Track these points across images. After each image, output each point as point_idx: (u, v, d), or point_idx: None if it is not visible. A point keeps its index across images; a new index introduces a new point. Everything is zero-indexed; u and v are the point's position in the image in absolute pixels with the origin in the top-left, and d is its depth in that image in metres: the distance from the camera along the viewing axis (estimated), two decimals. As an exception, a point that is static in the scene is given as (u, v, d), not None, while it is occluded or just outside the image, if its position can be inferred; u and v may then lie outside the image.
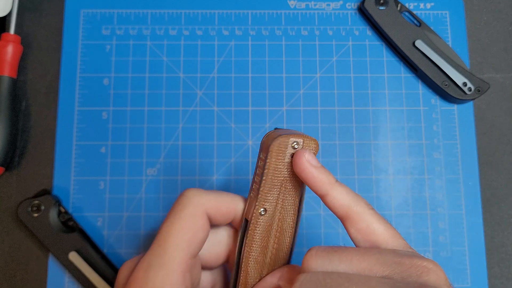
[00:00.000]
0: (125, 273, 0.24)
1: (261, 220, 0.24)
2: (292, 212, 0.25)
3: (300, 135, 0.24)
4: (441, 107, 0.41)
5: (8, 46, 0.39)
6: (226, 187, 0.39)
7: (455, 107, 0.41)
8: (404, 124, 0.41)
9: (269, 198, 0.24)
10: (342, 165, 0.40)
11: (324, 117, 0.41)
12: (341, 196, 0.23)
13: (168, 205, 0.39)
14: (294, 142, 0.24)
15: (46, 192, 0.39)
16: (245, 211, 0.25)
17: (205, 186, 0.39)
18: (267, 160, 0.24)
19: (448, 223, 0.39)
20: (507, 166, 0.40)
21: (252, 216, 0.24)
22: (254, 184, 0.25)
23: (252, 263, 0.25)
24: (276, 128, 0.26)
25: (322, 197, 0.24)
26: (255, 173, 0.25)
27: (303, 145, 0.24)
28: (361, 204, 0.23)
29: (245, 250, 0.25)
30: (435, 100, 0.41)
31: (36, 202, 0.37)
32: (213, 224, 0.25)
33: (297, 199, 0.25)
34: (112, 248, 0.38)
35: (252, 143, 0.40)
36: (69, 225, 0.38)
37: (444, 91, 0.40)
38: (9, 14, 0.40)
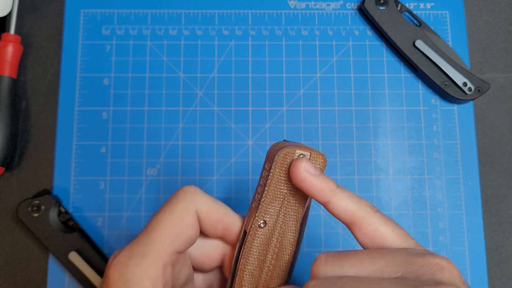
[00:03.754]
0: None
1: (260, 233, 0.24)
2: (294, 228, 0.24)
3: (308, 148, 0.23)
4: (441, 107, 0.41)
5: (8, 46, 0.39)
6: (226, 187, 0.39)
7: (455, 107, 0.41)
8: (404, 124, 0.41)
9: (270, 210, 0.24)
10: (342, 165, 0.40)
11: (324, 117, 0.41)
12: (344, 202, 0.23)
13: (168, 205, 0.39)
14: (301, 154, 0.23)
15: (46, 192, 0.39)
16: (244, 223, 0.25)
17: (205, 186, 0.39)
18: (271, 171, 0.23)
19: (448, 223, 0.39)
20: (507, 166, 0.40)
21: (251, 227, 0.24)
22: (256, 194, 0.24)
23: (247, 276, 0.24)
24: (285, 140, 0.25)
25: (325, 205, 0.23)
26: (258, 184, 0.24)
27: (310, 159, 0.23)
28: (365, 208, 0.23)
29: (241, 262, 0.24)
30: (435, 100, 0.41)
31: (36, 202, 0.37)
32: (202, 230, 0.25)
33: (300, 215, 0.24)
34: (112, 248, 0.38)
35: (252, 143, 0.40)
36: (69, 225, 0.38)
37: (444, 91, 0.40)
38: (9, 14, 0.40)
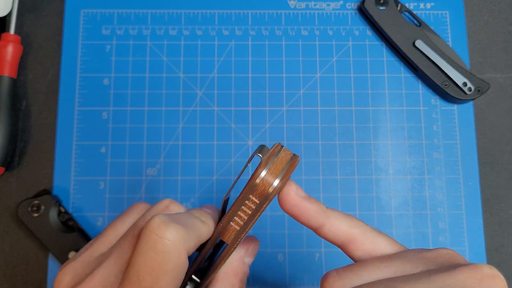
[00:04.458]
0: (68, 279, 0.23)
1: (239, 240, 0.23)
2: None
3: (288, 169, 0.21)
4: (441, 107, 0.41)
5: (8, 46, 0.39)
6: (226, 187, 0.39)
7: (455, 107, 0.41)
8: (404, 124, 0.41)
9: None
10: (342, 165, 0.40)
11: (324, 117, 0.41)
12: (338, 221, 0.22)
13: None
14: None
15: (46, 192, 0.39)
16: (220, 234, 0.23)
17: (205, 186, 0.39)
18: (263, 208, 0.21)
19: (448, 223, 0.39)
20: (507, 166, 0.40)
21: (234, 243, 0.23)
22: (237, 216, 0.22)
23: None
24: (262, 145, 0.23)
25: (318, 229, 0.22)
26: (241, 202, 0.22)
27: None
28: (357, 223, 0.22)
29: (215, 266, 0.24)
30: (435, 100, 0.41)
31: (36, 202, 0.37)
32: None
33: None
34: (112, 248, 0.38)
35: (252, 143, 0.40)
36: (69, 225, 0.38)
37: (444, 91, 0.40)
38: (9, 14, 0.40)
